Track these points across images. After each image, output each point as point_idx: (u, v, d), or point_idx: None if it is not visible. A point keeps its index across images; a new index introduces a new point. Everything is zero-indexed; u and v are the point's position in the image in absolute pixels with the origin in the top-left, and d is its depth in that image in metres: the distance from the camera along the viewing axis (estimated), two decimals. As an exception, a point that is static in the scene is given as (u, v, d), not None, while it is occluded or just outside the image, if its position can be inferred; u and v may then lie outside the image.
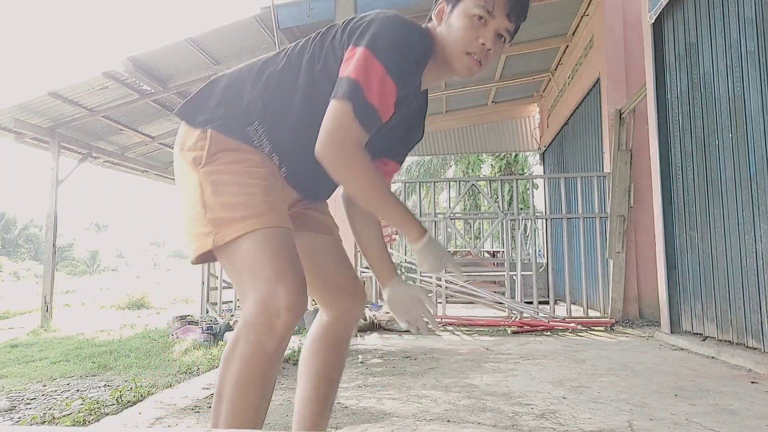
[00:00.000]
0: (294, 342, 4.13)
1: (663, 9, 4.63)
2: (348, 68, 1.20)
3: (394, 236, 6.59)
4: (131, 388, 2.75)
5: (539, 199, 15.84)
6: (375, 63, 1.19)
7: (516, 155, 17.90)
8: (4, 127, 7.10)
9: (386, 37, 1.21)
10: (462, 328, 5.47)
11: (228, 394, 1.14)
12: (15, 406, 2.75)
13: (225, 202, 1.20)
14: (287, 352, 3.65)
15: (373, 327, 5.37)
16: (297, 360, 3.71)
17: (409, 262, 6.66)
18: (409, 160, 17.26)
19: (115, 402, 2.58)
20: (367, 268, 6.81)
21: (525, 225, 10.21)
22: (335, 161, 1.19)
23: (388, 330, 5.27)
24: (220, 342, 4.79)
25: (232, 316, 5.95)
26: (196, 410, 2.36)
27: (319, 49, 1.31)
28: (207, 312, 7.10)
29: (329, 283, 1.47)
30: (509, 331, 5.14)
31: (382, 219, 1.26)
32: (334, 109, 1.19)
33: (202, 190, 1.22)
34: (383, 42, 1.21)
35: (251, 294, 1.15)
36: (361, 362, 3.57)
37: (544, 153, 11.41)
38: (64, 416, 2.42)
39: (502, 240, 7.34)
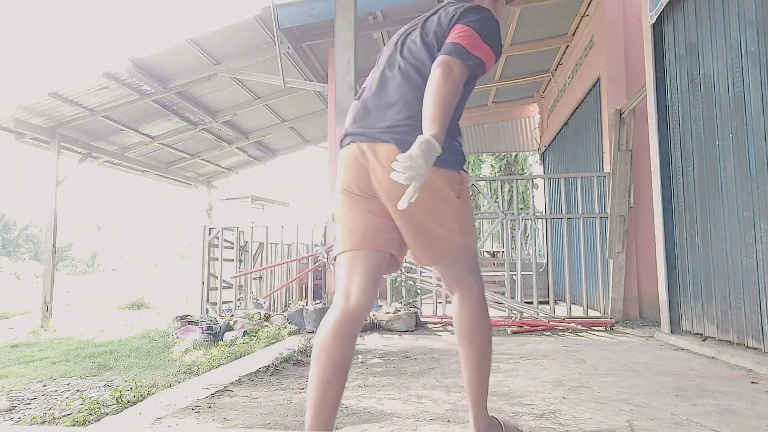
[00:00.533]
0: (294, 342, 4.13)
1: (663, 9, 4.63)
2: (452, 36, 1.59)
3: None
4: (131, 388, 2.75)
5: (539, 199, 15.83)
6: (475, 33, 1.58)
7: (516, 155, 17.91)
8: (4, 127, 7.10)
9: (482, 18, 1.64)
10: (462, 328, 5.46)
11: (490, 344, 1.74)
12: (15, 406, 2.75)
13: (470, 228, 1.74)
14: (286, 352, 3.65)
15: (373, 327, 5.37)
16: (297, 360, 3.69)
17: (409, 262, 6.65)
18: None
19: (115, 402, 2.58)
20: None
21: (525, 225, 10.22)
22: (444, 75, 1.50)
23: (388, 330, 5.27)
24: (220, 342, 4.77)
25: (232, 316, 5.94)
26: (196, 410, 2.36)
27: (422, 47, 1.69)
28: (207, 312, 7.10)
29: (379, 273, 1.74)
30: (509, 331, 5.15)
31: (430, 114, 1.48)
32: (440, 57, 1.54)
33: (460, 217, 1.70)
34: (481, 21, 1.63)
35: (476, 280, 1.74)
36: (361, 362, 3.57)
37: (544, 153, 11.40)
38: (64, 416, 2.42)
39: (502, 240, 7.34)
